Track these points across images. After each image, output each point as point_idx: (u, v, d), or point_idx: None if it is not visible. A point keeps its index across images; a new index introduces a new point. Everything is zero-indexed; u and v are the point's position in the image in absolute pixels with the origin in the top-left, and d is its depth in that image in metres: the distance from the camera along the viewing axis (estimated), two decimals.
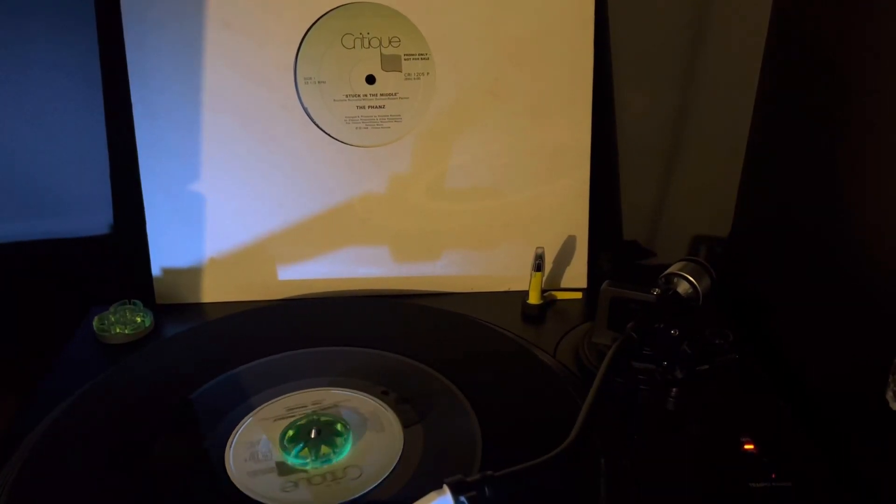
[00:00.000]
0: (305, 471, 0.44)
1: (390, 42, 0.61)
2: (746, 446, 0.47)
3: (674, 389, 0.50)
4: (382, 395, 0.50)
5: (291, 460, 0.45)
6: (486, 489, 0.39)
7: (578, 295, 0.65)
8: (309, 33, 0.60)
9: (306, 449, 0.45)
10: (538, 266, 0.60)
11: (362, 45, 0.61)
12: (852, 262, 0.52)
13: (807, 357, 0.57)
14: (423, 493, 0.39)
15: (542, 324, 0.62)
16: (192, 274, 0.63)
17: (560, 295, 0.64)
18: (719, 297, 0.57)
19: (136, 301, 0.61)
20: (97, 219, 0.68)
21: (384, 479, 0.43)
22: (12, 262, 0.67)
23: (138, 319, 0.60)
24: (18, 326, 0.68)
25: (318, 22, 0.60)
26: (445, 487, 0.39)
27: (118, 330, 0.59)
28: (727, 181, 0.70)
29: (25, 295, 0.68)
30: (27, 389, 0.55)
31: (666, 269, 0.57)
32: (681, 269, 0.56)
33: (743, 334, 0.57)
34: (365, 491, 0.43)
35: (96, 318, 0.59)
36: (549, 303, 0.63)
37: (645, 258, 0.74)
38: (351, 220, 0.64)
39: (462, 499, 0.38)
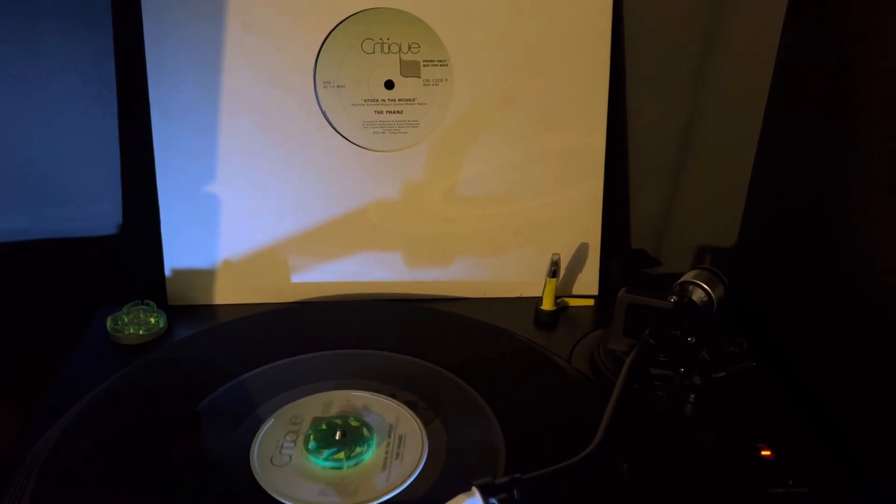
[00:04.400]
0: (332, 473, 0.44)
1: (410, 48, 0.61)
2: (763, 452, 0.48)
3: (692, 395, 0.51)
4: (401, 398, 0.50)
5: (318, 462, 0.45)
6: (515, 491, 0.40)
7: (590, 302, 0.65)
8: (329, 37, 0.60)
9: (332, 451, 0.45)
10: (554, 272, 0.61)
11: (382, 51, 0.61)
12: (862, 270, 0.53)
13: (816, 364, 0.58)
14: (450, 495, 0.39)
15: (555, 330, 0.62)
16: (205, 275, 0.63)
17: (572, 301, 0.65)
18: (729, 306, 0.58)
19: (149, 301, 0.60)
20: (106, 219, 0.68)
21: (411, 482, 0.44)
22: (20, 259, 0.67)
23: (152, 320, 0.59)
24: (25, 325, 0.67)
25: (339, 26, 0.60)
26: (475, 489, 0.39)
27: (132, 330, 0.58)
28: (734, 191, 0.71)
29: (32, 293, 0.68)
30: (38, 390, 0.55)
31: (675, 278, 0.58)
32: (695, 278, 0.56)
33: (752, 342, 0.58)
34: (393, 493, 0.43)
35: (109, 319, 0.59)
36: (561, 309, 0.64)
37: (651, 267, 0.75)
38: (365, 224, 0.64)
39: (493, 500, 0.39)
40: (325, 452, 0.45)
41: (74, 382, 0.54)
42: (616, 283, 0.64)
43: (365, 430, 0.47)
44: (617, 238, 0.73)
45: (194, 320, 0.62)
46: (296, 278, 0.64)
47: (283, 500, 0.42)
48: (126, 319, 0.59)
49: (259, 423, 0.48)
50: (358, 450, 0.45)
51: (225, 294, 0.64)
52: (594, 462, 0.42)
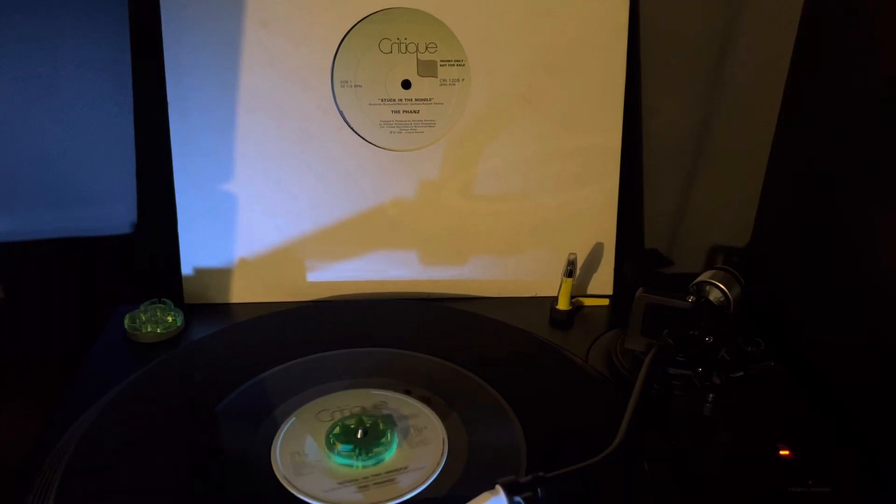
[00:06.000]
0: (353, 471, 0.44)
1: (427, 48, 0.61)
2: (782, 452, 0.48)
3: (710, 395, 0.51)
4: (420, 397, 0.50)
5: (338, 460, 0.45)
6: (539, 490, 0.40)
7: (605, 301, 0.65)
8: (347, 37, 0.60)
9: (354, 449, 0.45)
10: (570, 272, 0.61)
11: (399, 50, 0.61)
12: (876, 269, 0.54)
13: (834, 363, 0.58)
14: (472, 494, 0.39)
15: (570, 329, 0.62)
16: (222, 274, 0.63)
17: (587, 301, 0.65)
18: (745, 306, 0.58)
19: (166, 300, 0.61)
20: (123, 217, 0.68)
21: (432, 480, 0.44)
22: (37, 258, 0.67)
23: (169, 319, 0.59)
24: (43, 324, 0.68)
25: (357, 26, 0.60)
26: (499, 488, 0.39)
27: (149, 329, 0.58)
28: (748, 192, 0.72)
29: (49, 292, 0.68)
30: (56, 388, 0.55)
31: (689, 277, 0.58)
32: (712, 278, 0.57)
33: (768, 342, 0.58)
34: (415, 492, 0.43)
35: (127, 317, 0.59)
36: (576, 309, 0.64)
37: (664, 266, 0.75)
38: (381, 222, 0.64)
39: (517, 499, 0.39)
40: (347, 450, 0.45)
41: (93, 381, 0.54)
42: (630, 282, 0.64)
43: (386, 429, 0.47)
44: (631, 237, 0.73)
45: (211, 319, 0.62)
46: (312, 277, 0.64)
47: (305, 499, 0.42)
48: (143, 318, 0.59)
49: (280, 421, 0.48)
50: (379, 448, 0.45)
51: (241, 293, 0.64)
52: (616, 461, 0.42)
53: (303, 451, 0.46)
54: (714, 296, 0.56)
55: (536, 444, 0.46)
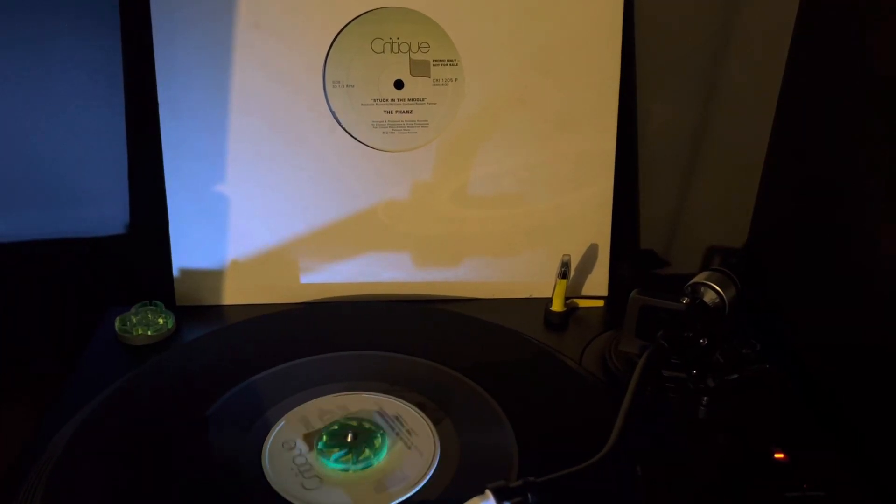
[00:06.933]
0: (343, 475, 0.44)
1: (419, 47, 0.61)
2: (777, 456, 0.48)
3: (704, 398, 0.51)
4: (412, 400, 0.50)
5: (328, 464, 0.44)
6: (529, 495, 0.39)
7: (600, 303, 0.65)
8: (339, 37, 0.60)
9: (343, 453, 0.45)
10: (564, 273, 0.61)
11: (391, 50, 0.61)
12: (873, 270, 0.53)
13: (830, 365, 0.57)
14: (463, 498, 0.39)
15: (565, 331, 0.62)
16: (214, 275, 0.63)
17: (581, 302, 0.65)
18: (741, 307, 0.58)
19: (157, 302, 0.60)
20: (114, 219, 0.67)
21: (422, 485, 0.43)
22: (29, 259, 0.66)
23: (160, 321, 0.59)
24: (35, 325, 0.67)
25: (348, 26, 0.60)
26: (488, 493, 0.39)
27: (140, 331, 0.58)
28: (744, 192, 0.71)
29: (41, 293, 0.67)
30: (47, 389, 0.54)
31: (685, 279, 0.58)
32: (707, 279, 0.56)
33: (764, 344, 0.57)
34: (405, 496, 0.42)
35: (118, 319, 0.59)
36: (571, 310, 0.63)
37: (661, 268, 0.75)
38: (375, 224, 0.64)
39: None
40: (337, 454, 0.45)
41: (84, 383, 0.53)
42: (626, 283, 0.64)
43: (376, 432, 0.46)
44: (626, 239, 0.72)
45: (203, 321, 0.61)
46: (305, 279, 0.64)
47: (294, 503, 0.42)
48: (134, 320, 0.59)
49: (270, 425, 0.48)
50: (369, 452, 0.45)
51: (233, 295, 0.64)
52: (608, 465, 0.42)
53: (293, 454, 0.45)
54: (709, 297, 0.55)
55: (529, 447, 0.46)
